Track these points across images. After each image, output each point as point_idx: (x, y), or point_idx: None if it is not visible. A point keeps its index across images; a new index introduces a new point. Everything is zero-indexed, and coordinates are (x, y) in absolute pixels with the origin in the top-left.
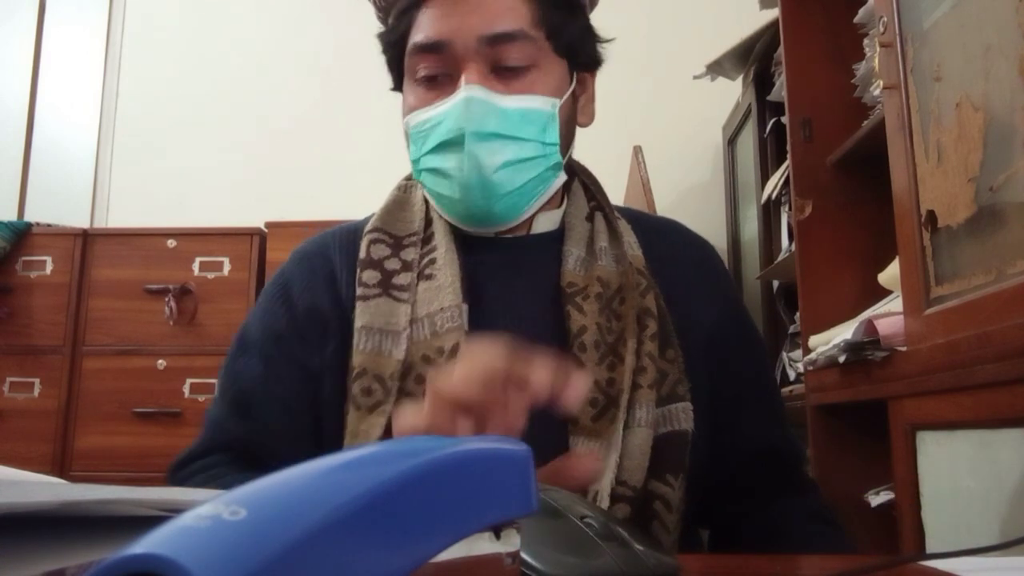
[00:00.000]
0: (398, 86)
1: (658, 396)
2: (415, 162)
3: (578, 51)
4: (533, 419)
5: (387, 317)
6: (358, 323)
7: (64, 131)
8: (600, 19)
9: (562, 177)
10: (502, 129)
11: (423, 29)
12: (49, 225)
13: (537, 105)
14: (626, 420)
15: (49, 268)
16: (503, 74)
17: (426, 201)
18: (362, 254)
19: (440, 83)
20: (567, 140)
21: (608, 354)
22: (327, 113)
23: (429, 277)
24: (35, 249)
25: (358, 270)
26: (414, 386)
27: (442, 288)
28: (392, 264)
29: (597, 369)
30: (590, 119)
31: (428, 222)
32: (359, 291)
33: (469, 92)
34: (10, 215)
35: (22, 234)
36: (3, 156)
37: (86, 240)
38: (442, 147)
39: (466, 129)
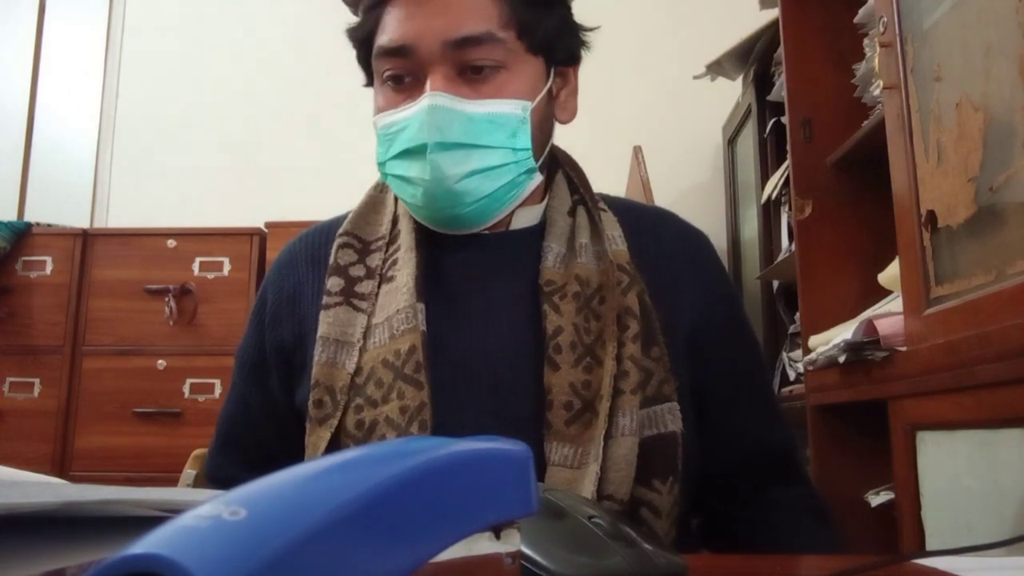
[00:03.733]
0: (370, 82)
1: (643, 397)
2: (381, 164)
3: (555, 46)
4: (506, 422)
5: (344, 327)
6: (319, 332)
7: (64, 131)
8: (600, 19)
9: (538, 178)
10: (467, 138)
11: (388, 31)
12: (49, 225)
13: (506, 110)
14: (609, 429)
15: (49, 268)
16: (470, 77)
17: (397, 201)
18: (331, 259)
19: (407, 85)
20: (542, 141)
21: (585, 355)
22: (327, 113)
23: (390, 279)
24: (35, 249)
25: (325, 276)
26: (374, 390)
27: (399, 289)
28: (357, 271)
29: (572, 371)
30: (571, 115)
31: (396, 221)
32: (324, 299)
33: (432, 100)
34: (10, 215)
35: (22, 234)
36: (3, 156)
37: (86, 240)
38: (406, 154)
39: (428, 140)
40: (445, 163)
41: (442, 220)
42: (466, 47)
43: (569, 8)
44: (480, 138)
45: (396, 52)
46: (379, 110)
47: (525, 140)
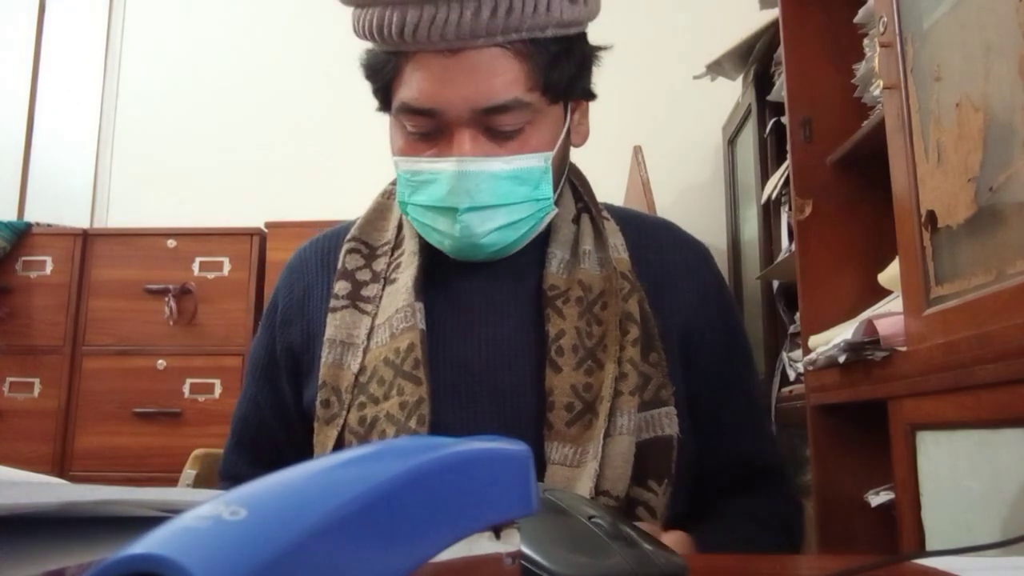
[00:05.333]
0: (384, 109)
1: (641, 401)
2: (403, 203)
3: (575, 89)
4: (507, 422)
5: (350, 329)
6: (326, 335)
7: (64, 131)
8: (601, 19)
9: (554, 211)
10: (495, 199)
11: (412, 88)
12: (49, 225)
13: (531, 164)
14: (607, 428)
15: (49, 268)
16: (497, 135)
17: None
18: (339, 264)
19: (431, 137)
20: (560, 176)
21: (586, 359)
22: (327, 113)
23: (393, 281)
24: (35, 249)
25: (333, 280)
26: (376, 388)
27: (399, 290)
28: (363, 275)
29: (574, 374)
30: (584, 138)
31: (401, 226)
32: (331, 303)
33: (462, 165)
34: (10, 215)
35: (22, 234)
36: (3, 156)
37: (86, 240)
38: (433, 209)
39: (459, 205)
40: (474, 222)
41: (462, 258)
42: (494, 114)
43: (586, 39)
44: (507, 197)
45: (422, 113)
46: (400, 151)
47: (547, 189)
